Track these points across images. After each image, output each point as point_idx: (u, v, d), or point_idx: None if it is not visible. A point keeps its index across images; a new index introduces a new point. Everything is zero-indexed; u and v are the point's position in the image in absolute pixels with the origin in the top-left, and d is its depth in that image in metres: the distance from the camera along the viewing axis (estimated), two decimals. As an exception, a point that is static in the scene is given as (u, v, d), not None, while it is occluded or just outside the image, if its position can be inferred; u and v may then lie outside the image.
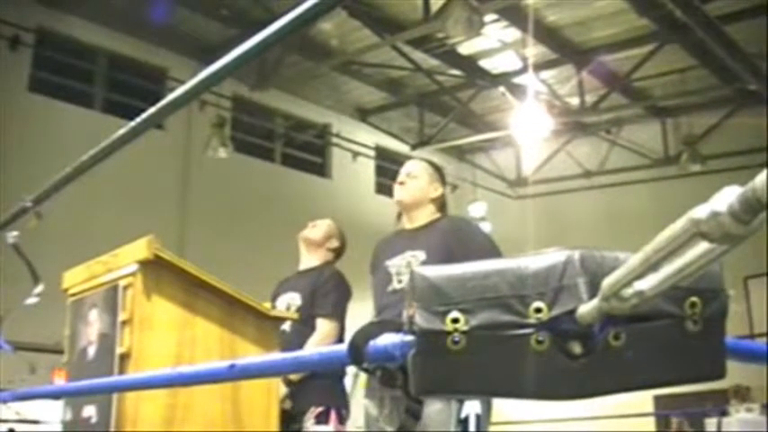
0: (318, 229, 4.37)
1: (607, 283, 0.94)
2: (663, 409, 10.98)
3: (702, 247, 0.80)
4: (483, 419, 2.91)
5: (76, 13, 10.23)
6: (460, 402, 2.86)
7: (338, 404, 3.95)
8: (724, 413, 9.28)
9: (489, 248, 3.33)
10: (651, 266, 0.85)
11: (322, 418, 3.86)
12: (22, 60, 9.91)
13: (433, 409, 2.85)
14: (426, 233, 3.44)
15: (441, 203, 3.62)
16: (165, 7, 9.91)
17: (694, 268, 0.83)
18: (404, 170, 3.67)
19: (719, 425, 9.02)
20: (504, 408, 11.64)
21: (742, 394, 10.00)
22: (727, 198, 0.70)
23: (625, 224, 11.34)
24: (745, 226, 0.69)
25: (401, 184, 3.60)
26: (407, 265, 3.32)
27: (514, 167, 15.39)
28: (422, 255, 3.32)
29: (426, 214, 3.55)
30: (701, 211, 0.71)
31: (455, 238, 3.34)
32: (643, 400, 10.75)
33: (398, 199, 3.59)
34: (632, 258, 0.88)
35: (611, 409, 9.32)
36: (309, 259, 4.33)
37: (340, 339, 4.02)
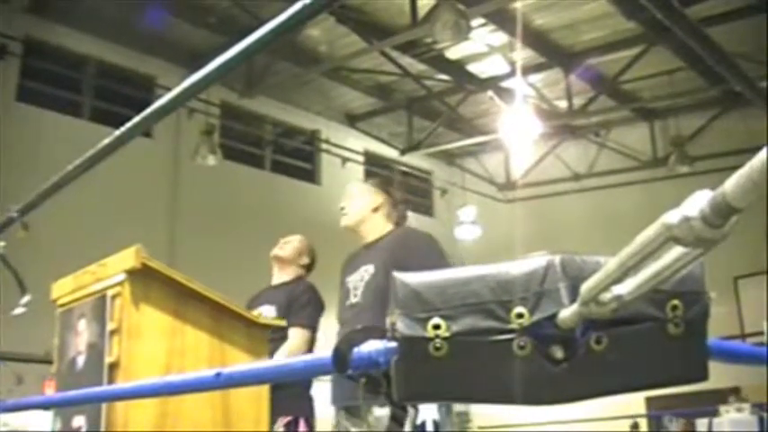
0: (289, 246, 4.46)
1: (585, 287, 0.95)
2: (655, 410, 11.00)
3: (678, 250, 0.80)
4: (443, 425, 2.88)
5: (64, 23, 10.21)
6: (415, 408, 2.83)
7: (306, 413, 4.00)
8: (715, 413, 9.30)
9: (433, 256, 3.32)
10: (627, 271, 0.86)
11: (291, 427, 3.88)
12: (10, 70, 9.88)
13: (385, 413, 2.81)
14: (377, 247, 3.47)
15: (388, 212, 3.61)
16: (153, 15, 9.89)
17: (671, 272, 0.84)
18: (343, 195, 3.71)
19: (710, 425, 9.05)
20: (495, 411, 11.65)
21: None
22: (698, 202, 0.70)
23: (615, 226, 11.33)
24: (717, 230, 0.70)
25: (342, 209, 3.64)
26: (361, 280, 3.36)
27: (504, 171, 15.42)
28: (371, 268, 3.36)
29: (376, 227, 3.57)
30: (672, 216, 0.72)
31: (400, 249, 3.34)
32: (636, 401, 10.76)
33: (342, 224, 3.63)
34: (609, 263, 0.88)
35: (603, 411, 9.34)
36: (281, 275, 4.43)
37: (310, 350, 4.09)
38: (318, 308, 4.22)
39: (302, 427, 3.92)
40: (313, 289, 4.29)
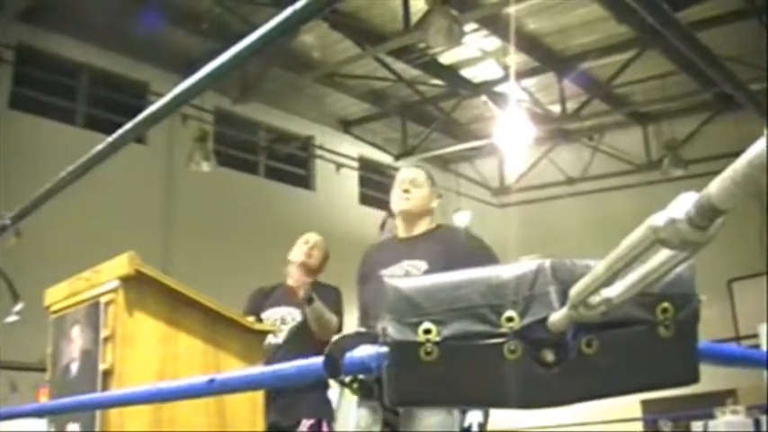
0: (318, 253, 4.38)
1: (574, 291, 0.95)
2: (650, 414, 11.00)
3: (665, 253, 0.81)
4: (483, 427, 2.90)
5: (57, 29, 10.20)
6: (463, 412, 2.84)
7: (328, 416, 4.02)
8: (711, 416, 9.31)
9: (493, 260, 3.20)
10: (616, 274, 0.86)
11: (314, 428, 3.90)
12: (3, 77, 9.86)
13: (436, 420, 2.82)
14: (426, 243, 3.33)
15: (433, 213, 3.55)
16: (146, 22, 9.88)
17: (659, 274, 0.84)
18: (407, 177, 3.53)
19: (706, 428, 9.06)
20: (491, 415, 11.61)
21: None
22: (683, 205, 0.70)
23: (610, 230, 11.27)
24: (703, 232, 0.70)
25: (406, 191, 3.45)
26: (406, 275, 3.16)
27: (498, 176, 15.43)
28: (423, 264, 3.21)
29: (424, 224, 3.45)
30: (659, 219, 0.72)
31: (458, 249, 3.24)
32: (631, 404, 10.76)
33: (404, 208, 3.44)
34: (597, 266, 0.88)
35: (598, 415, 9.34)
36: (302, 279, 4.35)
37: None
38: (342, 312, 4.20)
39: (325, 428, 3.93)
40: (340, 293, 4.25)
